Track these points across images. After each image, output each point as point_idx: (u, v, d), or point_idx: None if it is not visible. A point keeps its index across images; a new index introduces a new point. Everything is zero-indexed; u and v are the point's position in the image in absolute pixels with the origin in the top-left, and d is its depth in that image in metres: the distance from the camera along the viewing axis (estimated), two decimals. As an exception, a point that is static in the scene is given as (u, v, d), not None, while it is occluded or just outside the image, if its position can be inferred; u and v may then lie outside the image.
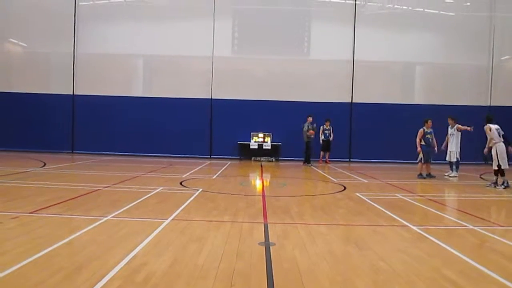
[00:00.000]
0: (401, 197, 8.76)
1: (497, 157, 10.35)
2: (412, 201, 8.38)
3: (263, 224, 5.76)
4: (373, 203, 7.69)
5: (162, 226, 5.42)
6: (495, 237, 5.27)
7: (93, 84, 18.96)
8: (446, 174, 13.23)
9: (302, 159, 16.93)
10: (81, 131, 18.93)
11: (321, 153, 17.74)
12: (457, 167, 13.13)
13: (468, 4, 19.99)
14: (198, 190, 8.87)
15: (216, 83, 19.04)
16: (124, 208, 6.56)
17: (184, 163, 15.50)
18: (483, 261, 4.17)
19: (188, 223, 5.74)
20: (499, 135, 10.64)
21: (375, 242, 4.99)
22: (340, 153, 18.48)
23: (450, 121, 13.25)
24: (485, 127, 10.91)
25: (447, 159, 13.25)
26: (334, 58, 19.29)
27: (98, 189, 8.52)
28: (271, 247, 4.57)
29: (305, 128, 16.42)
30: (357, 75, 19.21)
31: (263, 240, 4.89)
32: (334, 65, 19.39)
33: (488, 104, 19.37)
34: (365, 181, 11.72)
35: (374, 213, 6.84)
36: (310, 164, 16.32)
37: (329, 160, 17.65)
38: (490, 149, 10.78)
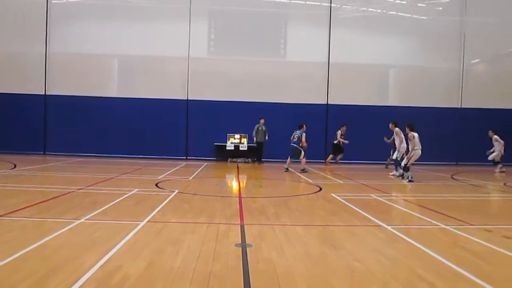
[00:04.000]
0: (375, 197, 8.88)
1: (410, 158, 11.82)
2: (387, 202, 8.51)
3: (239, 226, 5.74)
4: (348, 204, 7.77)
5: (137, 228, 5.34)
6: (467, 236, 5.39)
7: (66, 84, 18.58)
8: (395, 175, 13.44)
9: (279, 160, 17.04)
10: (53, 132, 18.50)
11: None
12: (396, 167, 13.51)
13: (440, 8, 20.49)
14: (174, 191, 8.79)
15: (192, 84, 18.94)
16: (98, 210, 6.44)
17: (160, 165, 15.34)
18: (456, 260, 4.26)
19: (164, 225, 5.68)
20: (420, 142, 11.92)
21: (351, 243, 5.04)
22: (315, 154, 18.64)
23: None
24: (409, 134, 11.92)
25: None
26: (310, 60, 19.46)
27: (72, 191, 8.34)
28: (247, 249, 4.56)
29: (256, 129, 17.44)
30: (332, 77, 19.43)
31: (240, 242, 4.87)
32: (310, 67, 19.56)
33: (459, 106, 19.88)
34: (341, 181, 11.84)
35: (349, 214, 6.91)
36: (260, 163, 17.27)
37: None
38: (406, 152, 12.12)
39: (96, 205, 6.80)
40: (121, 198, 7.66)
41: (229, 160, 18.28)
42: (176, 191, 8.90)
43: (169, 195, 8.23)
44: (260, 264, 4.06)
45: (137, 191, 8.70)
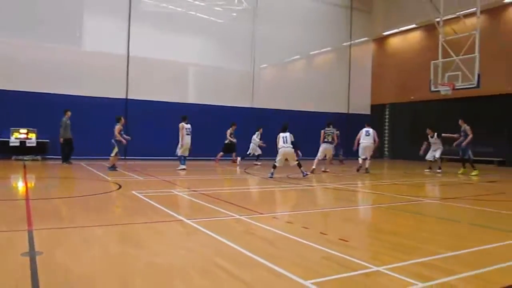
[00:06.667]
0: (176, 193, 9.06)
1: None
2: (187, 196, 8.77)
3: (27, 232, 5.12)
4: (149, 200, 7.72)
5: None
6: (258, 224, 5.95)
7: None
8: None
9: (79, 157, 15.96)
10: None
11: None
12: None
13: (235, 14, 22.07)
14: None
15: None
16: None
17: None
18: (248, 246, 4.65)
19: None
20: (284, 142, 12.64)
21: (152, 240, 5.02)
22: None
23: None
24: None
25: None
26: (109, 52, 18.68)
27: None
28: (37, 257, 4.09)
29: (63, 123, 15.58)
30: (132, 71, 19.01)
31: (27, 250, 4.34)
32: (109, 59, 18.76)
33: (251, 106, 21.81)
34: (141, 178, 11.69)
35: (150, 210, 6.88)
36: (68, 162, 15.57)
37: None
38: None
39: None
40: None
41: (13, 157, 16.15)
42: None
43: None
44: (53, 273, 3.70)
45: None
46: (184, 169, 14.39)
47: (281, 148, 12.70)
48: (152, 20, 19.69)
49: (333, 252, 4.49)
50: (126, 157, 18.31)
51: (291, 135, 12.69)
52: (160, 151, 18.68)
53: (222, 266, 3.98)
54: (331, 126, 15.48)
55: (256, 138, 18.51)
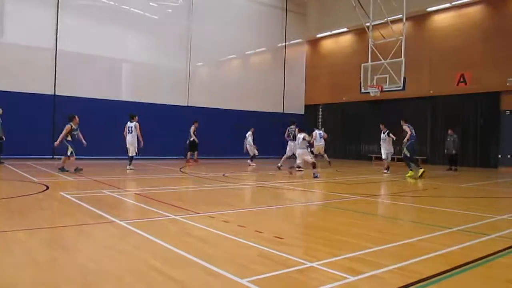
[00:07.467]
0: (108, 193, 8.74)
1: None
2: (120, 197, 8.50)
3: None
4: (79, 202, 7.40)
5: None
6: (193, 223, 5.90)
7: None
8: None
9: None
10: None
11: None
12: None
13: (170, 10, 21.68)
14: None
15: None
16: None
17: None
18: (184, 246, 4.60)
19: None
20: (298, 143, 13.50)
21: (82, 243, 4.82)
22: (41, 149, 17.04)
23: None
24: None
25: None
26: (34, 45, 17.60)
27: None
28: (-47, 265, 3.79)
29: None
30: (61, 66, 18.06)
31: None
32: (34, 52, 17.67)
33: (186, 104, 21.56)
34: (71, 179, 11.17)
35: (81, 212, 6.59)
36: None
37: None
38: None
39: None
40: None
41: None
42: None
43: None
44: (-29, 281, 3.44)
45: None
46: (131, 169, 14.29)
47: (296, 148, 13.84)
48: (82, 13, 18.82)
49: (268, 249, 4.56)
50: (54, 157, 17.40)
51: (306, 135, 13.35)
52: (91, 150, 17.89)
53: (156, 268, 3.90)
54: (293, 125, 16.54)
55: (249, 138, 18.50)
